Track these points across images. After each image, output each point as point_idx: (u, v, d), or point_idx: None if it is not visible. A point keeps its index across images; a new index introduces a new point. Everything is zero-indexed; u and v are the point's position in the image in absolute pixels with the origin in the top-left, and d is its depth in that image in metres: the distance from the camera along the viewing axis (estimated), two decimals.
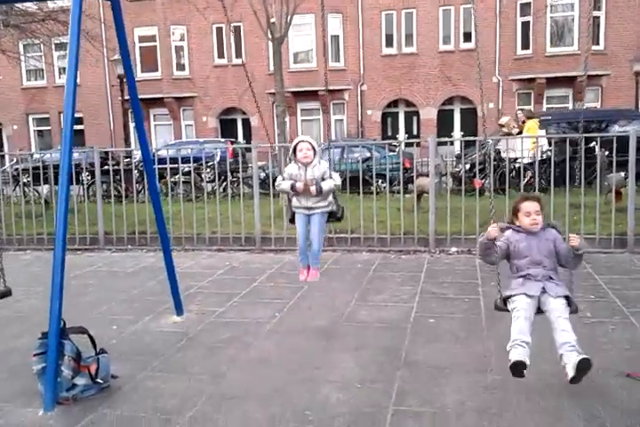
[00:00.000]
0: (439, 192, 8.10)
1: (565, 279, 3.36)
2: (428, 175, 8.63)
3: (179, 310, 4.73)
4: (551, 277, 3.33)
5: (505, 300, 3.37)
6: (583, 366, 2.94)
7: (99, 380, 3.40)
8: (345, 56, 23.80)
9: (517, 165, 8.75)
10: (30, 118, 28.33)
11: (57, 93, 27.19)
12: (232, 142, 18.70)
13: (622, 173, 7.03)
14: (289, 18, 8.89)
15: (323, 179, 4.61)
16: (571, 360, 2.99)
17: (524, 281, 3.33)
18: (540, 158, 8.17)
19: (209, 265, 6.50)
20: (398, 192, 7.95)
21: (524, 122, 11.13)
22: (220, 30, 24.69)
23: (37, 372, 3.31)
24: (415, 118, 24.26)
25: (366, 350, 3.92)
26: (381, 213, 7.17)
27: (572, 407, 3.00)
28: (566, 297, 3.26)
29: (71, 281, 6.16)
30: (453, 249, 6.66)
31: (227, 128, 25.68)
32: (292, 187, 4.60)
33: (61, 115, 28.43)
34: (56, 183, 9.50)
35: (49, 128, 28.36)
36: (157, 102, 25.07)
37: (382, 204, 7.36)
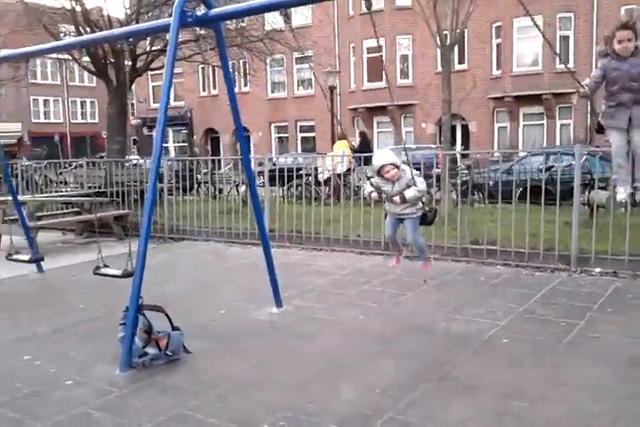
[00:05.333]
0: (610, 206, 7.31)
1: None
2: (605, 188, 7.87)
3: (278, 302, 5.20)
4: (638, 102, 4.23)
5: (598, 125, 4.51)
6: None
7: (168, 352, 4.02)
8: (575, 57, 22.10)
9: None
10: (272, 126, 31.66)
11: (295, 103, 30.01)
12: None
13: None
14: (460, 27, 8.87)
15: (408, 186, 4.69)
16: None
17: (615, 111, 4.32)
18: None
19: (340, 265, 6.85)
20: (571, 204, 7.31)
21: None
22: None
23: (119, 339, 4.04)
24: None
25: (416, 359, 3.93)
26: (544, 226, 6.61)
27: None
28: None
29: (226, 271, 7.06)
30: (597, 270, 6.03)
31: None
32: (370, 194, 4.95)
33: (297, 122, 31.32)
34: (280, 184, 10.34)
35: (287, 135, 31.40)
36: (380, 110, 26.14)
37: (547, 216, 6.80)
